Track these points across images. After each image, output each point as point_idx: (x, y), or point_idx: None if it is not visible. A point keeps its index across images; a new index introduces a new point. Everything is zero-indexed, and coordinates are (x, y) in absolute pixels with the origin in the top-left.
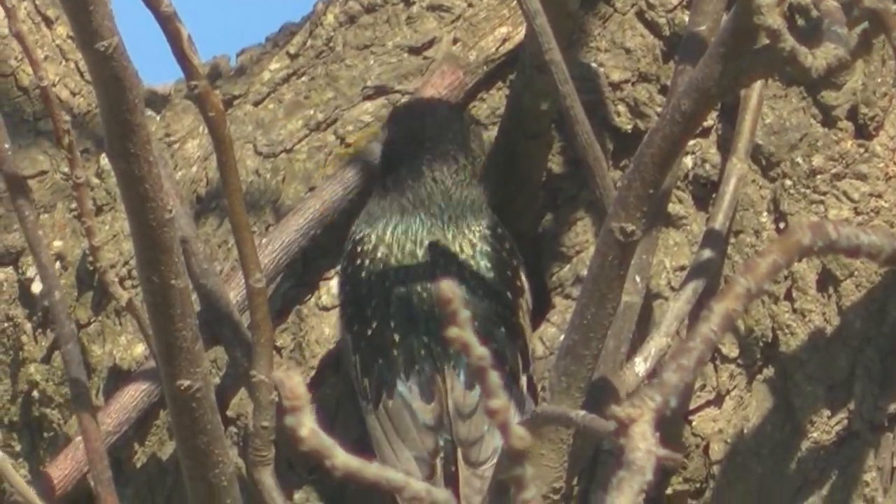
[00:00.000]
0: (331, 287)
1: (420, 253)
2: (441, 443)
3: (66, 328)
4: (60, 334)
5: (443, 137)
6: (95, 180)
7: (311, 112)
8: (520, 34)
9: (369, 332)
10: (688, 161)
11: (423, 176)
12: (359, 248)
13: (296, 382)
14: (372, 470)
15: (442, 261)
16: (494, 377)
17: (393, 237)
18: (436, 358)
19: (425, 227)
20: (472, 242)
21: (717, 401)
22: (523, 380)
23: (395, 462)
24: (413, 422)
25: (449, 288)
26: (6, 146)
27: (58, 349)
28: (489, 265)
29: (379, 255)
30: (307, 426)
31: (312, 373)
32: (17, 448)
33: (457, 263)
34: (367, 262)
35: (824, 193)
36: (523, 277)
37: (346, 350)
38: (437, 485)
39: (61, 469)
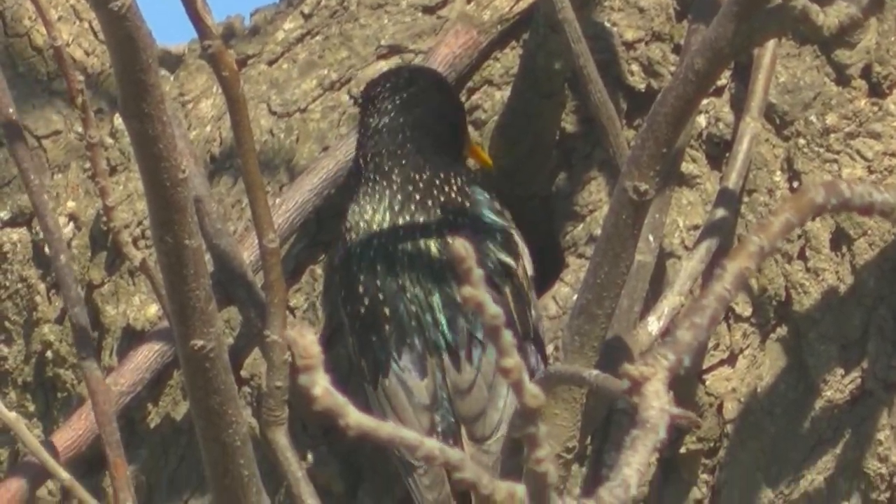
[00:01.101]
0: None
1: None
2: (438, 419)
3: (73, 291)
4: (67, 297)
5: (427, 113)
6: (109, 140)
7: (325, 72)
8: None
9: (362, 311)
10: (701, 120)
11: (410, 152)
12: (348, 229)
13: (309, 342)
14: (387, 429)
15: (440, 222)
16: (507, 336)
17: (384, 216)
18: (426, 329)
19: (413, 201)
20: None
21: (731, 360)
22: (526, 344)
23: None
24: (409, 401)
25: (462, 246)
26: (11, 110)
27: (70, 309)
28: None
29: (364, 230)
30: (321, 385)
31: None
32: (31, 408)
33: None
34: (354, 236)
35: (838, 152)
36: (520, 242)
37: (343, 332)
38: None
39: (75, 429)
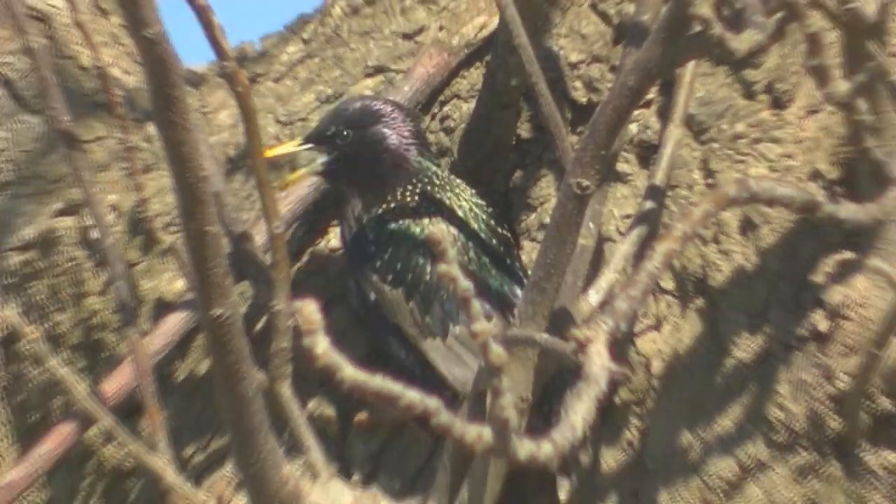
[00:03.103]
0: (338, 232)
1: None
2: None
3: (118, 268)
4: (113, 273)
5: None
6: (144, 144)
7: (322, 87)
8: (494, 23)
9: (427, 277)
10: (633, 128)
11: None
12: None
13: (311, 310)
14: (375, 382)
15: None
16: (477, 305)
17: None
18: (495, 292)
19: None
20: (468, 207)
21: (657, 326)
22: None
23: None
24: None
25: (439, 231)
26: (66, 117)
27: (112, 284)
28: (486, 222)
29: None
30: (321, 346)
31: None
32: (80, 365)
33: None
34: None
35: (745, 154)
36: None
37: (393, 302)
38: None
39: (116, 383)
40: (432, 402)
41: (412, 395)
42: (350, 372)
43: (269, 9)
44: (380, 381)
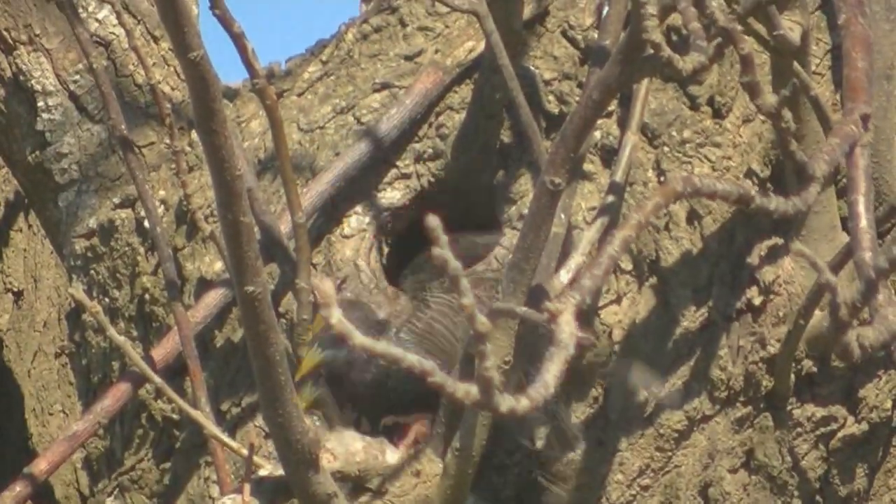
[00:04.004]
0: (350, 222)
1: None
2: None
3: (165, 252)
4: (161, 256)
5: None
6: (188, 148)
7: (337, 101)
8: (481, 46)
9: None
10: (597, 134)
11: None
12: None
13: (327, 286)
14: (380, 346)
15: None
16: (465, 282)
17: None
18: None
19: None
20: None
21: (618, 300)
22: None
23: None
24: None
25: (434, 219)
26: (123, 126)
27: (161, 265)
28: None
29: None
30: (335, 317)
31: (338, 281)
32: (134, 334)
33: None
34: None
35: (691, 156)
36: None
37: None
38: None
39: (165, 348)
40: (428, 364)
41: (412, 358)
42: (360, 339)
43: (293, 36)
44: (383, 346)
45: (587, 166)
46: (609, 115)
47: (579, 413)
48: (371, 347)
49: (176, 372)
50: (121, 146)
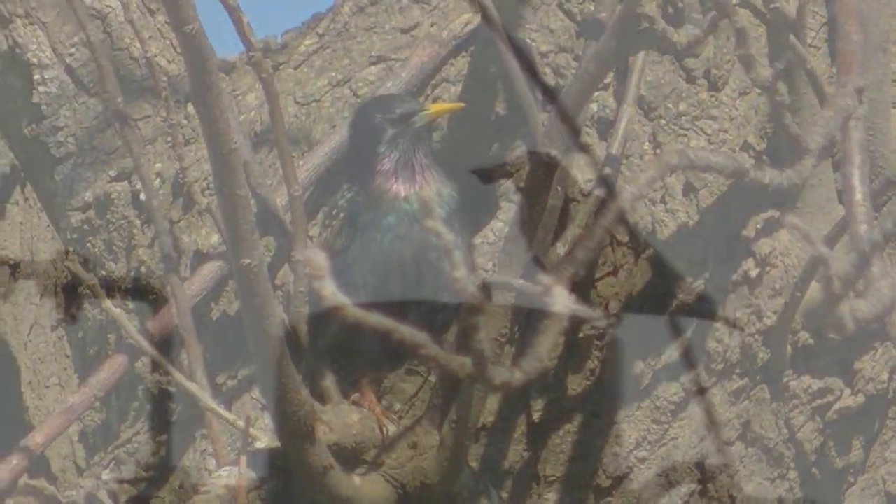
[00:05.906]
0: (345, 196)
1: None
2: None
3: (161, 225)
4: (158, 229)
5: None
6: (184, 121)
7: (333, 74)
8: (477, 19)
9: None
10: (594, 107)
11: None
12: None
13: (320, 259)
14: (372, 318)
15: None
16: (458, 255)
17: None
18: None
19: None
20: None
21: (614, 272)
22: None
23: None
24: None
25: (429, 193)
26: (119, 99)
27: (158, 238)
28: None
29: None
30: (328, 289)
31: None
32: (130, 306)
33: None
34: None
35: (687, 129)
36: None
37: None
38: None
39: (161, 321)
40: (421, 336)
41: (405, 330)
42: (352, 310)
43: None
44: (375, 318)
45: (584, 138)
46: (605, 87)
47: (576, 385)
48: (364, 319)
49: (172, 344)
50: (117, 119)
